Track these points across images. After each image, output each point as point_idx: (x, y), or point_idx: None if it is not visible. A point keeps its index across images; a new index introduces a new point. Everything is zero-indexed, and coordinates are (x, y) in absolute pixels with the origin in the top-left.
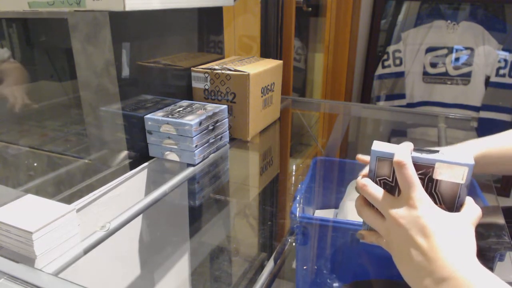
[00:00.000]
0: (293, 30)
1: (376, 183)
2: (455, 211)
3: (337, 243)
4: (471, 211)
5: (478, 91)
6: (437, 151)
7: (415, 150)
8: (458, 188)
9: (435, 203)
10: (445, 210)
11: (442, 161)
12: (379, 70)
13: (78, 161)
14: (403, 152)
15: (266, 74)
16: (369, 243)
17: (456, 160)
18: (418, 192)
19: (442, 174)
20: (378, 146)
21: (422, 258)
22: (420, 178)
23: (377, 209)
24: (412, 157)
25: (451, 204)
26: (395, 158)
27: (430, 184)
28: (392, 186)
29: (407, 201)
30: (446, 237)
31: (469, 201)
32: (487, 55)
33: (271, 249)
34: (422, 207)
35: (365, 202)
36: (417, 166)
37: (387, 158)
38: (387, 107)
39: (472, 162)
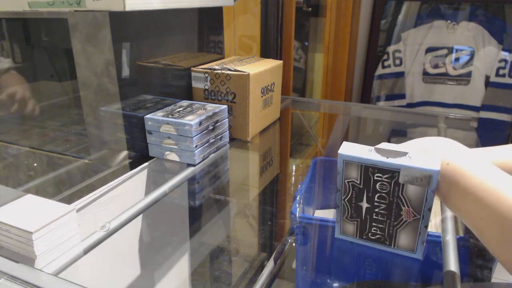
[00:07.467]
0: (293, 30)
1: (344, 185)
2: (423, 214)
3: (336, 243)
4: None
5: (478, 91)
6: (405, 154)
7: (382, 151)
8: (425, 192)
9: (402, 206)
10: (412, 213)
11: (407, 167)
12: (379, 70)
13: (78, 161)
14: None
15: (266, 74)
16: None
17: (421, 166)
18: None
19: (408, 179)
20: (346, 149)
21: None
22: (386, 182)
23: None
24: (378, 162)
25: (419, 207)
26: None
27: (397, 188)
28: (360, 188)
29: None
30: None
31: None
32: (487, 55)
33: (271, 249)
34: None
35: None
36: (383, 170)
37: (354, 162)
38: (387, 107)
39: (437, 168)
